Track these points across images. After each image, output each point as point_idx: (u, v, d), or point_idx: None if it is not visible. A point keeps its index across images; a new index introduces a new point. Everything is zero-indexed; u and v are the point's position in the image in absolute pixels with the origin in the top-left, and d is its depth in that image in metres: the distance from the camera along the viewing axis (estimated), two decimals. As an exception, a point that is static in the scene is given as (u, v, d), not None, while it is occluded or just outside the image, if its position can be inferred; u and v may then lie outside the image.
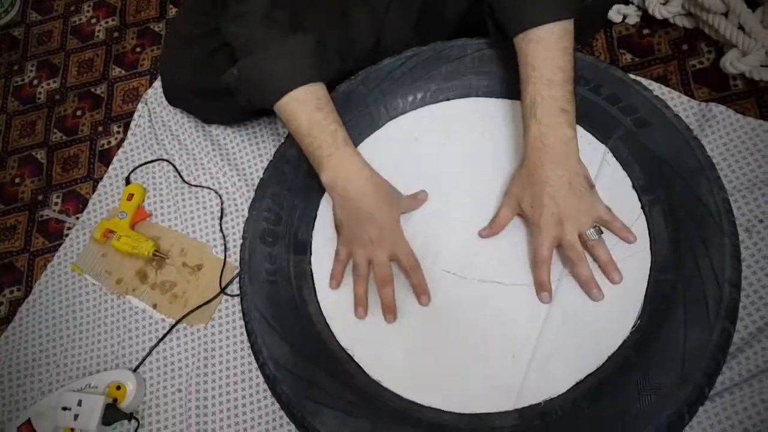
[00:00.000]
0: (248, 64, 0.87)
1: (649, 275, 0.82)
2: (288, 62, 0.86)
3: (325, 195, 0.95)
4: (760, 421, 0.90)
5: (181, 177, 1.26)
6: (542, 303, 0.83)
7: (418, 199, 0.92)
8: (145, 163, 1.30)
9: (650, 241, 0.84)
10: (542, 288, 0.83)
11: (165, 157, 1.29)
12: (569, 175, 0.81)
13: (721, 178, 0.85)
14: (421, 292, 0.86)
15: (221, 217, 1.21)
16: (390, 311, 0.86)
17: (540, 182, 0.81)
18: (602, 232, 0.83)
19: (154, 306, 1.17)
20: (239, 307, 1.11)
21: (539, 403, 0.77)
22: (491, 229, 0.87)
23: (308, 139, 0.85)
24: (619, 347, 0.78)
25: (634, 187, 0.87)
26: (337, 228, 0.91)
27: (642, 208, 0.86)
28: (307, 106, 0.85)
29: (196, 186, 1.25)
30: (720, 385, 0.93)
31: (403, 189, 0.91)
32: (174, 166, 1.27)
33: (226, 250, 1.18)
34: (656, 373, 0.75)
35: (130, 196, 1.24)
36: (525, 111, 0.83)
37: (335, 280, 0.90)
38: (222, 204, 1.22)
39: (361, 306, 0.87)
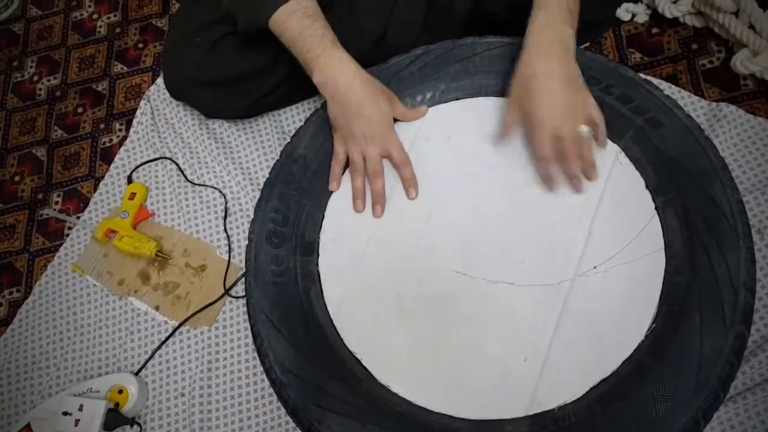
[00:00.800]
0: None
1: (664, 277, 0.81)
2: None
3: (333, 195, 0.94)
4: (773, 426, 0.89)
5: (185, 175, 1.24)
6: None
7: (417, 111, 0.96)
8: (148, 162, 1.28)
9: (665, 242, 0.83)
10: (549, 179, 0.86)
11: (168, 155, 1.27)
12: (567, 71, 0.84)
13: (734, 179, 0.84)
14: (410, 186, 0.91)
15: (225, 217, 1.19)
16: (378, 201, 0.91)
17: (540, 75, 0.83)
18: (593, 132, 0.85)
19: (157, 308, 1.15)
20: (244, 309, 1.10)
21: (553, 409, 0.76)
22: (502, 133, 0.91)
23: (299, 44, 0.90)
24: (634, 351, 0.77)
25: (647, 187, 0.86)
26: (333, 127, 0.94)
27: (656, 209, 0.84)
28: (296, 15, 0.90)
29: (199, 185, 1.23)
30: (733, 390, 0.92)
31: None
32: (177, 165, 1.25)
33: (230, 250, 1.17)
34: (672, 379, 0.74)
35: (132, 196, 1.23)
36: (534, 4, 0.86)
37: (335, 181, 0.94)
38: (226, 203, 1.20)
39: (358, 198, 0.92)
